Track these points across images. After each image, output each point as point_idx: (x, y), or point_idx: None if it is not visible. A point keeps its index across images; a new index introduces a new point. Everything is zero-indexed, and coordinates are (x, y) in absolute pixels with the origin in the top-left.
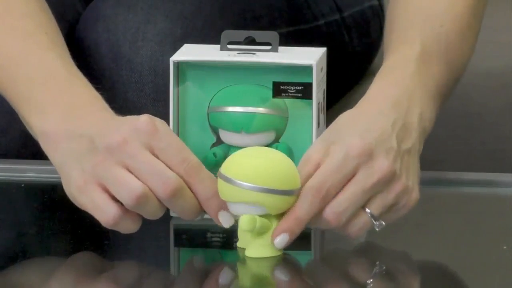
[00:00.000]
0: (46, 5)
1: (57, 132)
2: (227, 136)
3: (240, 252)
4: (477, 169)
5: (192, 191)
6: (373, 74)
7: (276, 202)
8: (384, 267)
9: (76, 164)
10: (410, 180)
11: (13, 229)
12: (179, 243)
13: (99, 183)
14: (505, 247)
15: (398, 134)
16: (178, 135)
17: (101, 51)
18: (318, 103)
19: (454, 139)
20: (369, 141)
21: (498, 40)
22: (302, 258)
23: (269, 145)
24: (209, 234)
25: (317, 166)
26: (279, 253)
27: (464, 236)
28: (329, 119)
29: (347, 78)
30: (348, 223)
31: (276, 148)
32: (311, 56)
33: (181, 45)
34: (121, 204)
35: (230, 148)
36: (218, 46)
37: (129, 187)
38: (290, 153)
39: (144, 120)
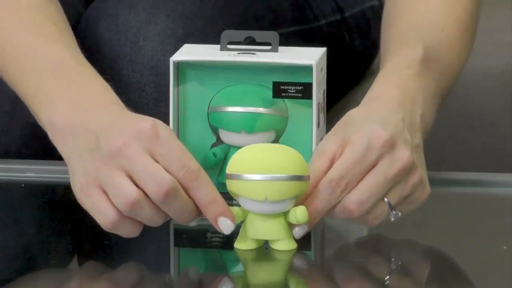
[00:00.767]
0: None
1: (64, 125)
2: (227, 136)
3: (240, 252)
4: (477, 169)
5: (191, 197)
6: (373, 74)
7: (285, 189)
8: (384, 267)
9: (80, 162)
10: (424, 173)
11: (13, 229)
12: (179, 243)
13: (100, 186)
14: (505, 247)
15: (408, 129)
16: (178, 135)
17: (102, 51)
18: (318, 103)
19: (454, 139)
20: (390, 132)
21: (498, 40)
22: (302, 258)
23: None
24: (209, 234)
25: (332, 158)
26: (294, 246)
27: (464, 236)
28: (329, 119)
29: (348, 78)
30: (367, 212)
31: None
32: (311, 56)
33: (182, 45)
34: None
35: (230, 148)
36: (218, 46)
37: (124, 194)
38: None
39: (147, 124)
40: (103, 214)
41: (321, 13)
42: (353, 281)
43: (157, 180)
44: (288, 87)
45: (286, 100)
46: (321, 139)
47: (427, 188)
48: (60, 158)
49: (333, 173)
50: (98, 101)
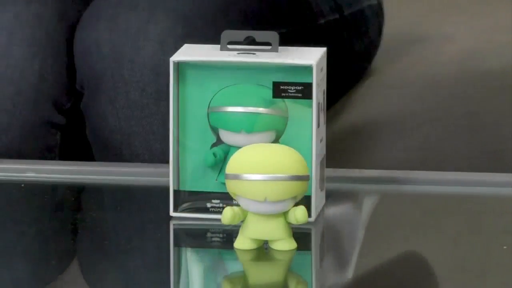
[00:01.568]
0: None
1: None
2: (227, 136)
3: (239, 252)
4: (477, 169)
5: None
6: (373, 74)
7: (285, 189)
8: (384, 267)
9: None
10: None
11: (13, 229)
12: (179, 243)
13: None
14: (505, 247)
15: None
16: (178, 135)
17: (102, 50)
18: (318, 103)
19: (454, 139)
20: None
21: (498, 40)
22: (302, 258)
23: None
24: (209, 234)
25: None
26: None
27: (464, 236)
28: (329, 119)
29: (347, 78)
30: None
31: None
32: (311, 56)
33: (182, 45)
34: None
35: (230, 148)
36: (218, 46)
37: None
38: None
39: None
40: None
41: (320, 12)
42: (353, 281)
43: None
44: (288, 87)
45: (286, 100)
46: (321, 139)
47: None
48: (60, 157)
49: None
50: None
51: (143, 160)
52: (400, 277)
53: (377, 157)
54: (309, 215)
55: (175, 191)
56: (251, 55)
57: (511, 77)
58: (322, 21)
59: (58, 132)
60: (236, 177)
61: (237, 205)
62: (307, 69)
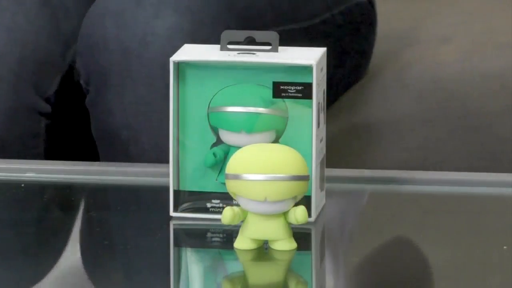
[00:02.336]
0: None
1: None
2: (227, 136)
3: (239, 252)
4: (477, 169)
5: None
6: (373, 75)
7: (285, 189)
8: (384, 267)
9: None
10: None
11: (13, 229)
12: (179, 243)
13: None
14: (505, 247)
15: None
16: (178, 135)
17: (110, 47)
18: (318, 103)
19: (454, 139)
20: None
21: (497, 41)
22: (302, 258)
23: None
24: (209, 234)
25: None
26: (294, 246)
27: (464, 236)
28: (329, 119)
29: (344, 76)
30: None
31: None
32: (311, 56)
33: (190, 40)
34: None
35: (230, 148)
36: (218, 46)
37: None
38: None
39: None
40: None
41: (316, 11)
42: (353, 281)
43: None
44: (288, 87)
45: (286, 100)
46: (321, 139)
47: None
48: (47, 149)
49: None
50: None
51: (150, 156)
52: (400, 277)
53: (377, 157)
54: (309, 215)
55: (175, 191)
56: (251, 55)
57: (510, 78)
58: (317, 20)
59: (43, 120)
60: (236, 177)
61: (237, 205)
62: (307, 69)
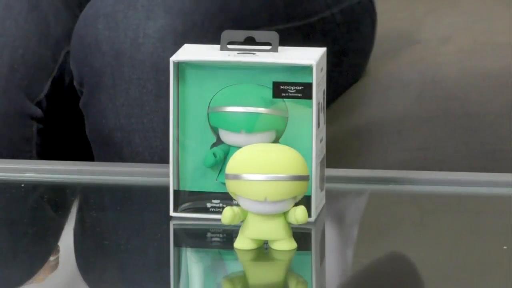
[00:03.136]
0: None
1: None
2: (227, 136)
3: (239, 252)
4: (477, 169)
5: None
6: (373, 75)
7: (285, 189)
8: (384, 267)
9: None
10: None
11: (13, 229)
12: (179, 243)
13: None
14: (505, 247)
15: None
16: (178, 135)
17: (102, 48)
18: (318, 103)
19: (454, 139)
20: None
21: (497, 41)
22: (302, 258)
23: None
24: (209, 234)
25: None
26: (294, 246)
27: (464, 236)
28: (329, 119)
29: (343, 76)
30: None
31: None
32: (311, 56)
33: (182, 41)
34: None
35: (230, 148)
36: (218, 46)
37: None
38: None
39: None
40: None
41: (313, 10)
42: (353, 281)
43: None
44: (288, 87)
45: (286, 100)
46: (321, 139)
47: None
48: (40, 152)
49: None
50: None
51: (144, 158)
52: (400, 277)
53: (377, 157)
54: (309, 215)
55: (175, 191)
56: (251, 55)
57: (510, 78)
58: (315, 18)
59: (35, 124)
60: (236, 177)
61: (237, 205)
62: (307, 69)
